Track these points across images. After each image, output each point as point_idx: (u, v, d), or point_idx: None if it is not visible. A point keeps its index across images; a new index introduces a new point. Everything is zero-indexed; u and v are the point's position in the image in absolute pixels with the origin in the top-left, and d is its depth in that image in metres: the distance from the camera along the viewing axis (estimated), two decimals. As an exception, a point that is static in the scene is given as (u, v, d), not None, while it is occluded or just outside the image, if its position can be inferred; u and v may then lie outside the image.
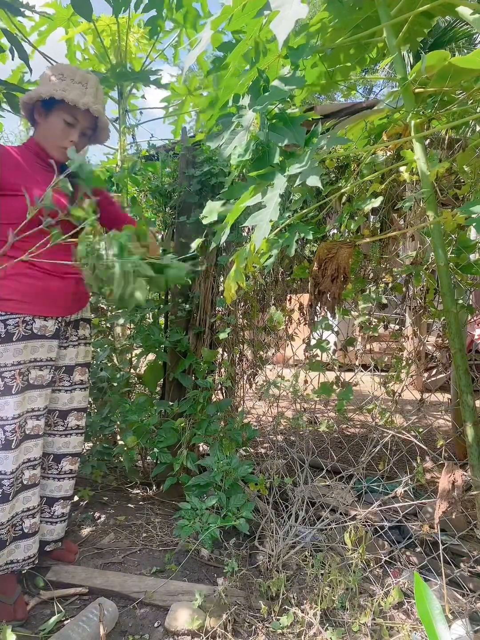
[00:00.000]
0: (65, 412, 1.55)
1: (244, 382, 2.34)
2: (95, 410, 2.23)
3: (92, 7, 2.12)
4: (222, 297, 2.17)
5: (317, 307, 1.39)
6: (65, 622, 1.29)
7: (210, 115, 1.27)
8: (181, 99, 2.86)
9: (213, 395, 2.22)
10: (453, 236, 1.42)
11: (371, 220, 1.90)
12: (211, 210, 1.16)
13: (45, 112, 1.38)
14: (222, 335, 2.03)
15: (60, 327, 1.46)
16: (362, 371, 1.86)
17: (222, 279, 2.22)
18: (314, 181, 0.82)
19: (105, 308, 2.43)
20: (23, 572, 1.43)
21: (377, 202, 1.52)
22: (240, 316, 2.26)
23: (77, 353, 1.56)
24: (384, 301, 1.73)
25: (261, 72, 1.08)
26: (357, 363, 1.91)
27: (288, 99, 1.30)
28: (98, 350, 2.23)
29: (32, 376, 1.38)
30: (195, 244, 1.47)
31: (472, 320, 1.93)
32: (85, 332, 1.59)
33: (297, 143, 0.96)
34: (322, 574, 1.44)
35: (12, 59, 1.96)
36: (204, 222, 1.19)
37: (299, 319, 2.09)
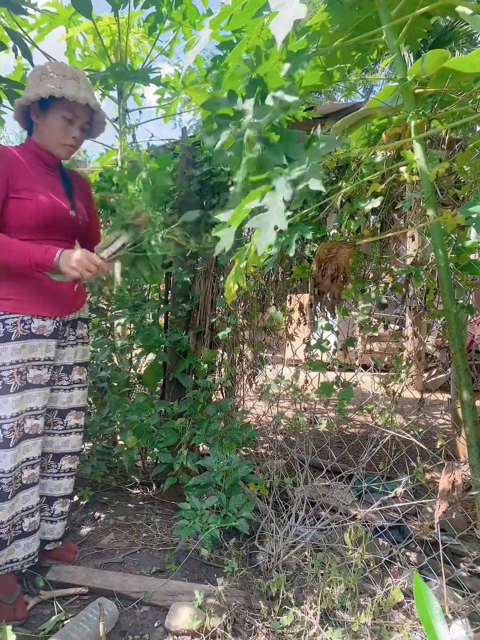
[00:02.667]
0: (64, 411, 1.55)
1: (244, 382, 2.34)
2: (95, 410, 2.23)
3: (91, 5, 2.12)
4: (222, 297, 2.17)
5: (317, 307, 1.39)
6: (65, 622, 1.29)
7: (209, 114, 1.27)
8: (175, 92, 2.86)
9: (213, 395, 2.22)
10: (453, 236, 1.42)
11: (371, 220, 1.90)
12: (218, 229, 1.15)
13: (42, 112, 1.37)
14: (222, 334, 2.03)
15: (59, 327, 1.46)
16: (362, 371, 1.86)
17: (222, 278, 2.22)
18: (316, 185, 0.81)
19: (105, 308, 2.43)
20: (23, 571, 1.43)
21: (377, 202, 1.52)
22: (240, 316, 2.26)
23: (76, 352, 1.56)
24: (384, 301, 1.73)
25: (259, 78, 1.07)
26: (357, 363, 1.92)
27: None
28: (98, 350, 2.23)
29: (30, 375, 1.38)
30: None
31: (472, 320, 1.93)
32: (83, 331, 1.60)
33: None
34: (322, 574, 1.44)
35: (16, 57, 1.97)
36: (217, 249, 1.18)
37: (299, 319, 2.09)
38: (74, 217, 1.45)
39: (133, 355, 2.39)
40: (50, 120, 1.37)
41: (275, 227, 0.83)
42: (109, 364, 2.28)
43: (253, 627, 1.30)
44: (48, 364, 1.43)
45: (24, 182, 1.35)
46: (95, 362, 2.20)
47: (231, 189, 1.16)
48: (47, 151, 1.41)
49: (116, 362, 2.30)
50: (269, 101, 1.01)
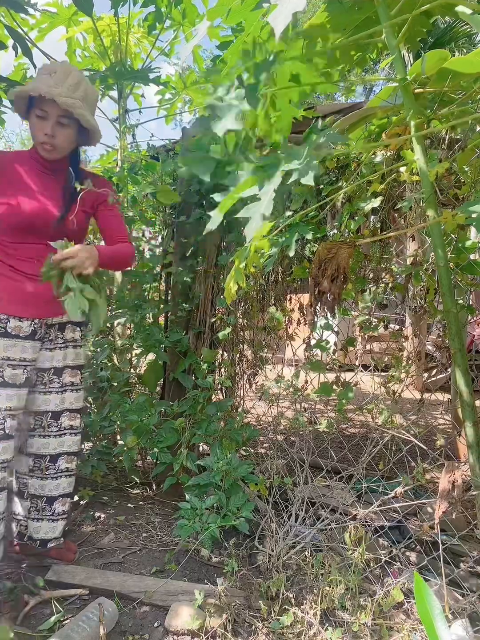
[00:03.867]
0: (58, 413, 1.56)
1: (244, 382, 2.34)
2: (95, 410, 2.23)
3: (93, 3, 2.13)
4: (222, 297, 2.17)
5: (317, 307, 1.39)
6: (65, 621, 1.29)
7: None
8: (176, 92, 2.87)
9: (213, 395, 2.22)
10: (453, 236, 1.42)
11: (371, 220, 1.90)
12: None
13: (28, 114, 1.39)
14: (222, 335, 2.03)
15: (38, 328, 1.46)
16: (362, 371, 1.86)
17: (222, 278, 2.22)
18: (309, 179, 0.81)
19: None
20: None
21: (377, 202, 1.52)
22: (240, 316, 2.25)
23: (65, 355, 1.55)
24: (384, 301, 1.73)
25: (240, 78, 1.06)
26: (357, 363, 1.91)
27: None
28: (98, 350, 2.23)
29: (6, 374, 1.39)
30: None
31: (472, 320, 1.93)
32: (74, 335, 1.58)
33: None
34: (322, 574, 1.44)
35: (16, 55, 1.97)
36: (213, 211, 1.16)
37: (299, 319, 2.09)
38: (63, 221, 1.43)
39: (133, 355, 2.39)
40: (30, 120, 1.38)
41: (263, 216, 0.83)
42: (109, 364, 2.28)
43: (253, 627, 1.30)
44: (24, 365, 1.43)
45: (9, 185, 1.37)
46: (95, 362, 2.20)
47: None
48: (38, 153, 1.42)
49: (116, 362, 2.30)
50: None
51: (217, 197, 1.07)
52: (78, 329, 1.61)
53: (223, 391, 2.30)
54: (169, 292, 2.35)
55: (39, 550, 1.58)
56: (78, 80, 1.38)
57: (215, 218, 1.03)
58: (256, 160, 0.91)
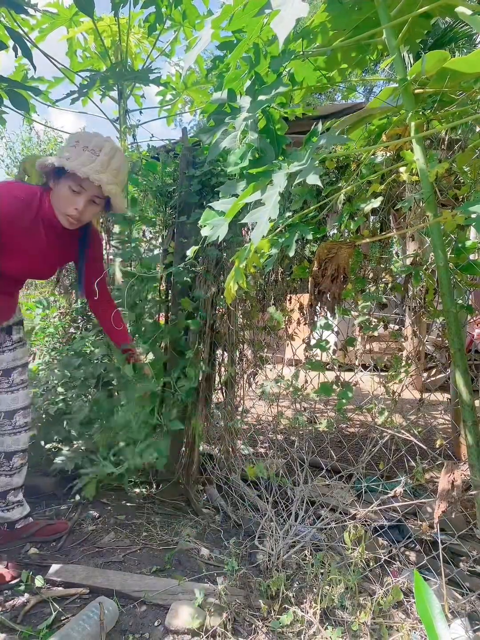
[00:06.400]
0: (11, 412, 1.64)
1: (244, 382, 2.34)
2: (96, 410, 2.23)
3: (94, 4, 2.13)
4: (222, 296, 2.17)
5: (317, 307, 1.40)
6: (65, 621, 1.29)
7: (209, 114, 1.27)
8: (177, 93, 2.87)
9: (213, 395, 2.22)
10: (453, 236, 1.42)
11: (371, 220, 1.90)
12: (208, 216, 1.16)
13: (56, 178, 1.40)
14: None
15: None
16: (362, 371, 1.87)
17: (222, 278, 2.22)
18: (313, 180, 0.82)
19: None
20: None
21: (377, 203, 1.52)
22: (240, 316, 2.25)
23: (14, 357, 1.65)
24: (384, 301, 1.73)
25: (258, 75, 1.09)
26: (356, 363, 1.92)
27: (284, 101, 1.31)
28: (97, 350, 2.23)
29: None
30: (191, 252, 1.53)
31: (472, 320, 1.93)
32: (19, 335, 1.68)
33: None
34: (321, 573, 1.44)
35: (16, 56, 1.97)
36: (203, 232, 1.17)
37: (299, 319, 2.09)
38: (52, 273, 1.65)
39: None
40: (59, 188, 1.40)
41: (270, 219, 0.84)
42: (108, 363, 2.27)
43: (253, 626, 1.30)
44: None
45: (18, 235, 1.42)
46: (95, 360, 2.20)
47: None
48: (55, 215, 1.44)
49: (115, 361, 2.30)
50: (261, 97, 1.03)
51: (216, 205, 1.09)
52: (21, 329, 1.71)
53: (223, 391, 2.30)
54: (170, 291, 2.35)
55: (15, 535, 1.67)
56: (120, 164, 1.41)
57: (222, 226, 1.04)
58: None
